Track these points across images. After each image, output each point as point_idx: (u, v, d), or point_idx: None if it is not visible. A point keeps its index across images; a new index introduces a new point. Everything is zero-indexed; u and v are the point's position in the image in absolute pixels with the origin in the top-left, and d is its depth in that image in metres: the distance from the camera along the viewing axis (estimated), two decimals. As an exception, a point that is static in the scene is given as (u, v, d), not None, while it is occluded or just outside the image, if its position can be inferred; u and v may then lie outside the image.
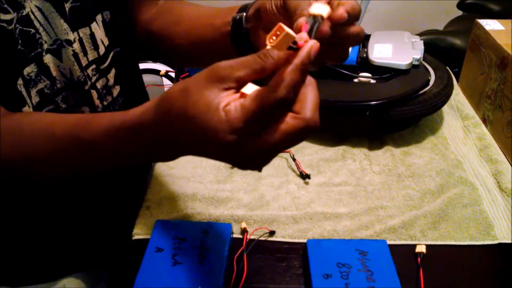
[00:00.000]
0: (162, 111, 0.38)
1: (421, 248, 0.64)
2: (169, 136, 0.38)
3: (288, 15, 0.45)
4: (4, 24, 0.48)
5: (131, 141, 0.41)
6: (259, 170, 0.39)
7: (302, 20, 0.40)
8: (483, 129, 0.89)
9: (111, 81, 0.64)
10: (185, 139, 0.37)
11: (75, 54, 0.55)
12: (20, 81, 0.50)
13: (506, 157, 0.82)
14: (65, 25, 0.54)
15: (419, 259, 0.63)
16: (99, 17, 0.60)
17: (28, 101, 0.52)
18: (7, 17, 0.48)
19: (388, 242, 0.64)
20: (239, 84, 0.36)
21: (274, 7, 0.48)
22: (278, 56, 0.35)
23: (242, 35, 0.54)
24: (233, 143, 0.34)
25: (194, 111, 0.35)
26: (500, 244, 0.66)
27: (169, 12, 0.63)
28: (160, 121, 0.38)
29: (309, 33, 0.39)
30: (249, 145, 0.35)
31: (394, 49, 0.88)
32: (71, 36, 0.54)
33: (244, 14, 0.54)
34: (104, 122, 0.42)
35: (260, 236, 0.67)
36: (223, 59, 0.55)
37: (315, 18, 0.41)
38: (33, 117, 0.49)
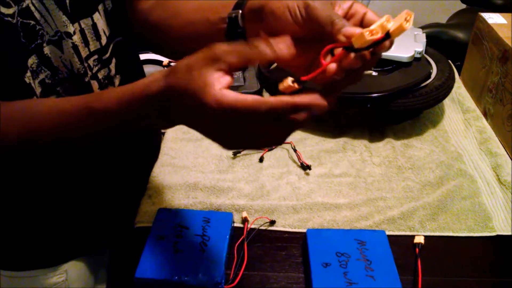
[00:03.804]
0: (168, 84, 0.41)
1: (419, 239, 0.65)
2: (171, 107, 0.42)
3: (313, 25, 0.44)
4: (9, 19, 0.48)
5: (140, 109, 0.44)
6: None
7: (356, 29, 0.40)
8: (484, 123, 0.89)
9: (113, 71, 0.64)
10: (183, 111, 0.42)
11: (75, 46, 0.56)
12: (28, 73, 0.51)
13: (506, 151, 0.82)
14: (64, 18, 0.54)
15: (417, 249, 0.63)
16: (100, 7, 0.60)
17: (37, 92, 0.53)
18: (10, 11, 0.48)
19: (387, 233, 0.64)
20: (230, 67, 0.40)
21: (293, 14, 0.45)
22: (264, 50, 0.39)
23: (238, 34, 0.52)
24: (216, 117, 0.39)
25: (194, 86, 0.39)
26: (498, 236, 0.67)
27: (167, 5, 0.61)
28: (165, 92, 0.42)
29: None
30: (231, 126, 0.40)
31: (396, 42, 0.88)
32: (71, 28, 0.55)
33: (240, 11, 0.51)
34: (114, 93, 0.45)
35: (261, 226, 0.68)
36: None
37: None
38: (39, 100, 0.51)
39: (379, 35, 0.39)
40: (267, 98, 0.38)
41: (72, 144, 0.50)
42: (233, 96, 0.38)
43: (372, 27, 0.39)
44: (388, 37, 0.39)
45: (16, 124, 0.47)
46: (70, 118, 0.47)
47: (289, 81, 0.41)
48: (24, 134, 0.47)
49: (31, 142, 0.48)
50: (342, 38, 0.41)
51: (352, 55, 0.40)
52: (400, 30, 0.38)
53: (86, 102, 0.46)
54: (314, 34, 0.45)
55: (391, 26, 0.39)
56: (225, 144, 0.43)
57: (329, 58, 0.42)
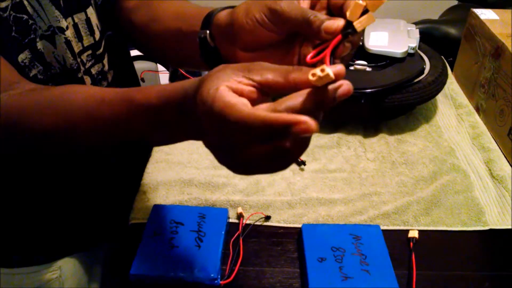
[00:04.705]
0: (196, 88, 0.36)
1: (413, 233, 0.65)
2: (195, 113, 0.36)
3: (288, 28, 0.42)
4: (0, 12, 0.48)
5: (177, 105, 0.38)
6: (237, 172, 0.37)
7: (340, 22, 0.38)
8: (476, 118, 0.90)
9: (106, 66, 0.64)
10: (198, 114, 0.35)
11: (68, 42, 0.55)
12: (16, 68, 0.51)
13: (498, 145, 0.83)
14: (57, 12, 0.53)
15: (411, 244, 0.64)
16: (92, 1, 0.60)
17: None
18: (2, 4, 0.48)
19: (382, 227, 0.65)
20: (264, 84, 0.34)
21: (263, 23, 0.43)
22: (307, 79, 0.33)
23: (211, 53, 0.49)
24: (205, 120, 0.34)
25: (206, 83, 0.34)
26: (491, 230, 0.67)
27: (149, 7, 0.59)
28: (193, 96, 0.36)
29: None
30: (220, 135, 0.34)
31: (390, 38, 0.88)
32: (63, 23, 0.54)
33: (208, 32, 0.48)
34: (157, 86, 0.40)
35: (256, 221, 0.68)
36: (195, 64, 0.51)
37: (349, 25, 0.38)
38: (78, 86, 0.47)
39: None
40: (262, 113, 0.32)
41: (103, 140, 0.45)
42: (228, 99, 0.32)
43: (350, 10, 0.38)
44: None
45: (51, 111, 0.44)
46: (108, 108, 0.42)
47: (317, 70, 0.32)
48: (58, 121, 0.43)
49: (63, 131, 0.44)
50: (324, 35, 0.39)
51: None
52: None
53: (127, 92, 0.42)
54: (292, 35, 0.44)
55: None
56: (218, 155, 0.37)
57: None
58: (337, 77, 0.32)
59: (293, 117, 0.31)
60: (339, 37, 0.38)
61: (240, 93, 0.34)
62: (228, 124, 0.32)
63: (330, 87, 0.33)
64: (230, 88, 0.33)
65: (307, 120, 0.31)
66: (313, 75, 0.32)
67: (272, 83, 0.34)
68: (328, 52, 0.38)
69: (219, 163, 0.37)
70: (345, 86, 0.33)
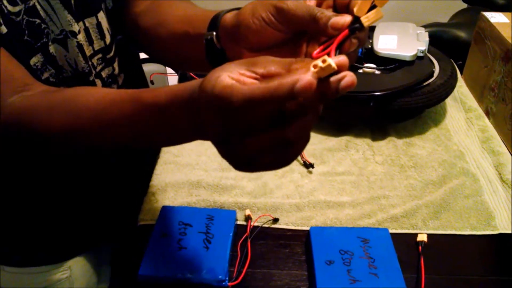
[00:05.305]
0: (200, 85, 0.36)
1: (422, 237, 0.65)
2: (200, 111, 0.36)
3: (295, 27, 0.43)
4: (13, 17, 0.48)
5: (184, 104, 0.38)
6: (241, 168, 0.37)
7: (347, 18, 0.38)
8: (486, 121, 0.90)
9: (117, 70, 0.65)
10: (204, 108, 0.35)
11: (80, 46, 0.56)
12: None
13: (507, 149, 0.82)
14: (69, 17, 0.54)
15: (420, 247, 0.64)
16: (103, 5, 0.61)
17: None
18: (16, 9, 0.48)
19: (390, 231, 0.65)
20: (264, 78, 0.34)
21: (270, 23, 0.43)
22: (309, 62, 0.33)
23: (217, 55, 0.50)
24: (209, 107, 0.34)
25: (210, 74, 0.34)
26: (500, 234, 0.67)
27: (156, 11, 0.59)
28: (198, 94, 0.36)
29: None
30: (224, 120, 0.33)
31: (399, 41, 0.88)
32: (76, 27, 0.55)
33: (214, 33, 0.48)
34: (166, 87, 0.40)
35: (264, 223, 0.68)
36: (201, 66, 0.51)
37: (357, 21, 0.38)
38: (88, 88, 0.48)
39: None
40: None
41: (110, 141, 0.45)
42: (229, 82, 0.32)
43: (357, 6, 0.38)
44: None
45: (60, 112, 0.44)
46: (117, 108, 0.42)
47: (319, 61, 0.32)
48: (67, 122, 0.44)
49: (70, 132, 0.44)
50: (331, 30, 0.39)
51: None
52: None
53: (137, 92, 0.42)
54: (298, 34, 0.44)
55: None
56: (221, 147, 0.37)
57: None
58: (340, 68, 0.32)
59: (293, 77, 0.31)
60: (346, 32, 0.39)
61: (242, 84, 0.33)
62: (229, 103, 0.32)
63: (333, 78, 0.32)
64: (232, 78, 0.33)
65: (304, 75, 0.31)
66: (315, 66, 0.32)
67: (275, 74, 0.33)
68: (333, 46, 0.38)
69: (222, 157, 0.37)
70: (348, 77, 0.32)
